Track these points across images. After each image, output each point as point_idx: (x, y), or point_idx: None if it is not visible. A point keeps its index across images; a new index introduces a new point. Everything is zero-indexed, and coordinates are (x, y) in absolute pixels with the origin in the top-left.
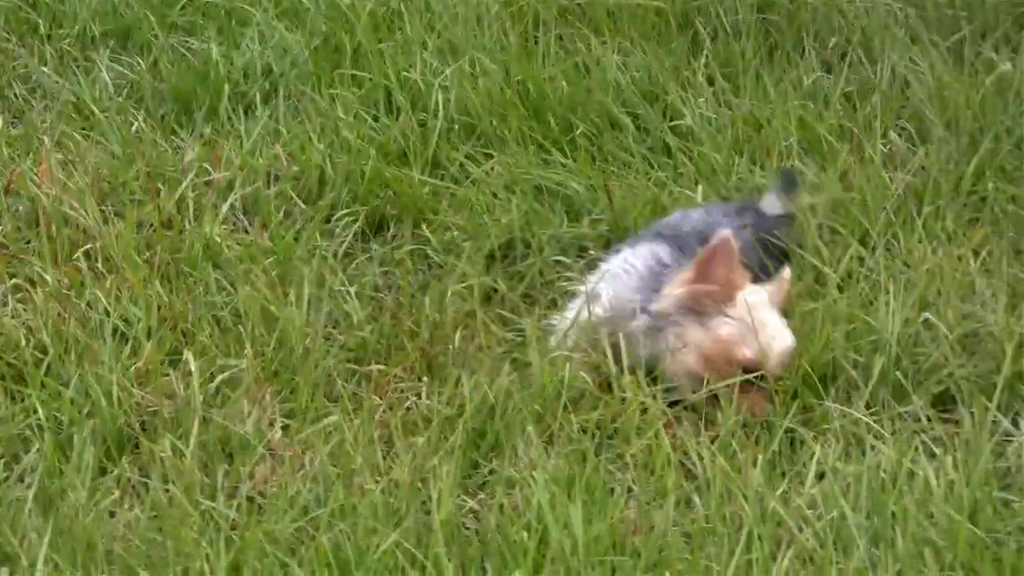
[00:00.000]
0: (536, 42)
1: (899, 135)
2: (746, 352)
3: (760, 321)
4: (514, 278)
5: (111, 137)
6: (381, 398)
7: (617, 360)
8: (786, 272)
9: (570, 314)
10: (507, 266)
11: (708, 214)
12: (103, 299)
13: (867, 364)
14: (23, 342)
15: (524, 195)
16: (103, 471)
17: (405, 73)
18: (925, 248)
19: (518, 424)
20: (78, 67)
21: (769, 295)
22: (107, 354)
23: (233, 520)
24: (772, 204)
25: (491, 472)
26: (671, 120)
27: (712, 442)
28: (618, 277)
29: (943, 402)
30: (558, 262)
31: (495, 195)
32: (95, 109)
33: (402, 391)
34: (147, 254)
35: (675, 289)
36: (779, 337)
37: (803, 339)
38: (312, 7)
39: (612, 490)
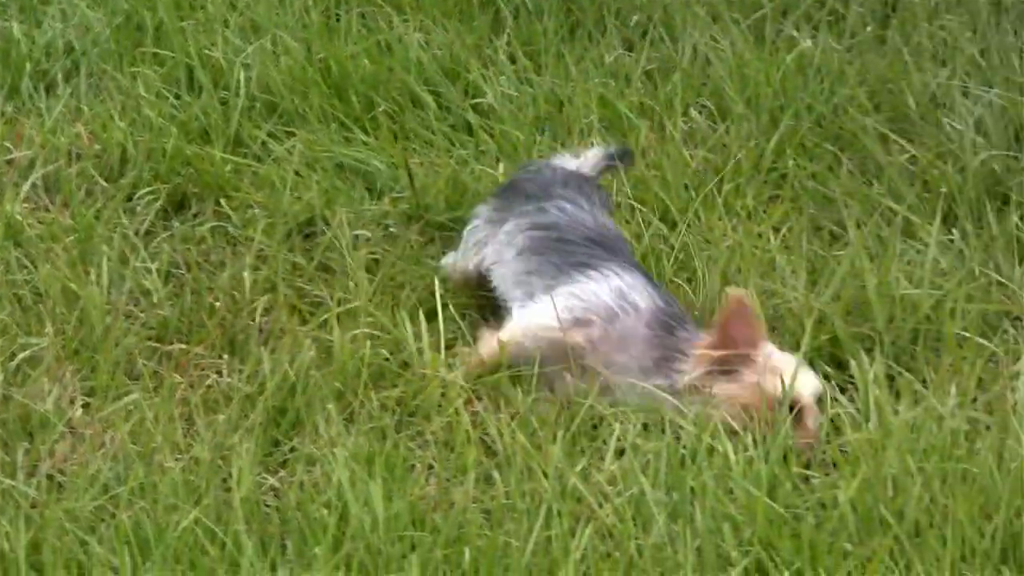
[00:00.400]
0: (338, 20)
1: (700, 113)
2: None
3: (783, 361)
4: (314, 254)
5: None
6: (182, 376)
7: None
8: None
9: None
10: (308, 243)
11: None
12: None
13: None
14: None
15: (325, 172)
16: None
17: (207, 51)
18: (725, 225)
19: (319, 402)
20: None
21: None
22: None
23: (33, 498)
24: (591, 164)
25: (292, 450)
26: (473, 98)
27: (512, 419)
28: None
29: None
30: (358, 237)
31: (297, 173)
32: None
33: (203, 369)
34: None
35: (700, 362)
36: (804, 374)
37: None
38: None
39: (412, 467)
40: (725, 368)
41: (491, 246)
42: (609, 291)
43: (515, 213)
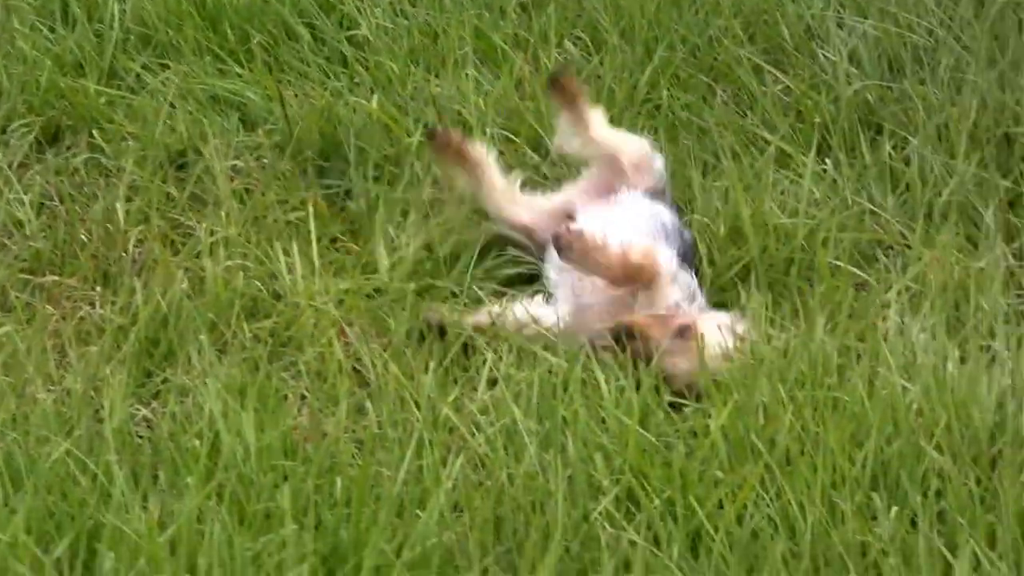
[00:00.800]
0: None
1: (574, 44)
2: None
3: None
4: (187, 185)
5: None
6: (54, 308)
7: None
8: None
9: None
10: (181, 174)
11: None
12: None
13: None
14: None
15: (200, 105)
16: None
17: None
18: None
19: (191, 333)
20: None
21: None
22: None
23: None
24: None
25: (164, 381)
26: (347, 30)
27: (385, 350)
28: None
29: None
30: (234, 167)
31: (171, 105)
32: None
33: (75, 301)
34: None
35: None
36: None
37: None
38: None
39: (285, 398)
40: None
41: None
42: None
43: None
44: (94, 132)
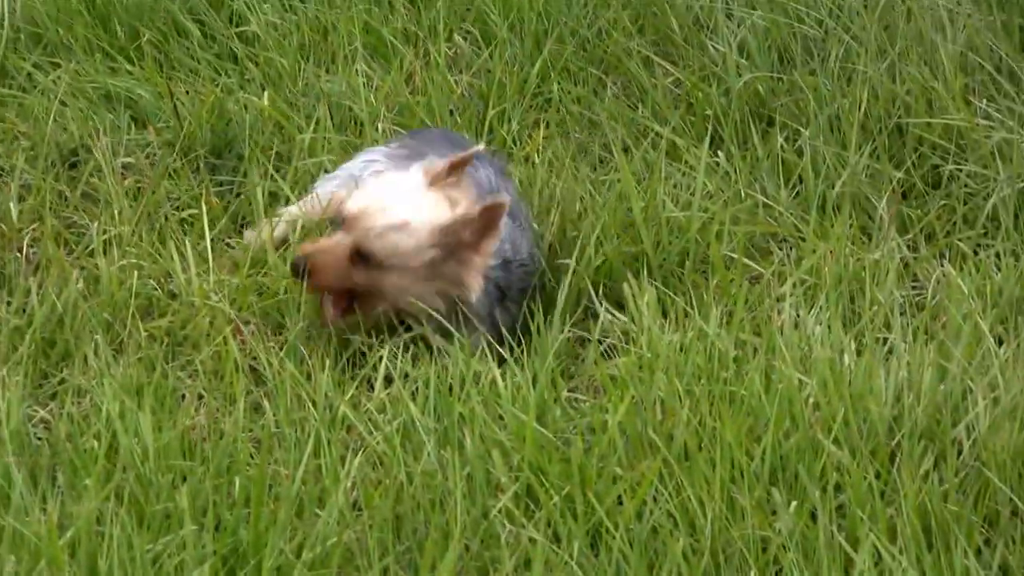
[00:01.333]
0: None
1: (464, 38)
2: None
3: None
4: (79, 184)
5: None
6: None
7: None
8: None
9: None
10: (73, 172)
11: None
12: None
13: None
14: None
15: (91, 103)
16: None
17: None
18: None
19: (87, 333)
20: None
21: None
22: None
23: None
24: None
25: (61, 382)
26: (237, 26)
27: (281, 348)
28: None
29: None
30: (125, 165)
31: (63, 103)
32: None
33: None
34: None
35: None
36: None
37: None
38: None
39: (182, 397)
40: None
41: None
42: None
43: None
44: None
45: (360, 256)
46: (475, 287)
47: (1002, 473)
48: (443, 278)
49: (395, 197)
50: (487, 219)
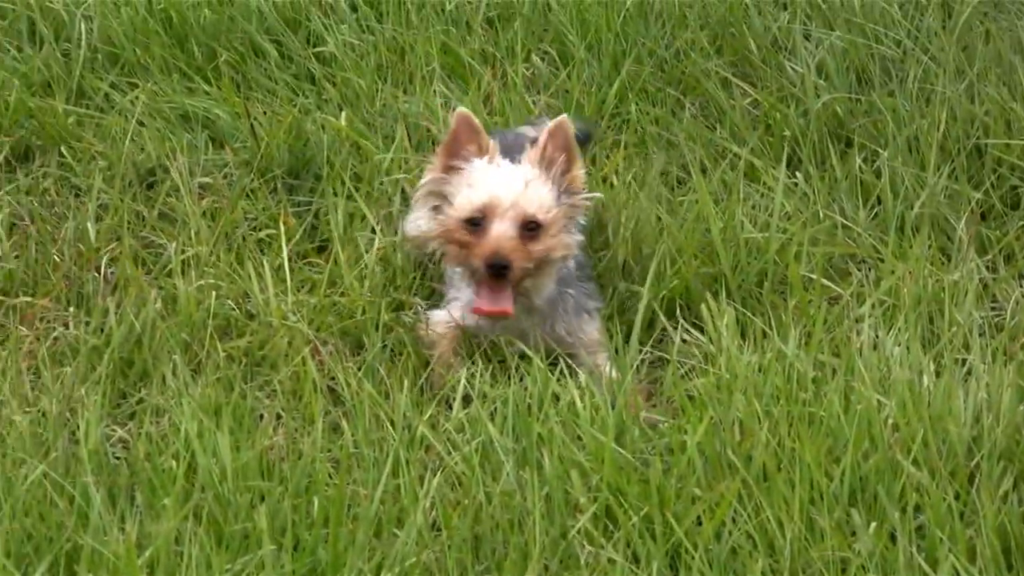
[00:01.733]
0: None
1: (541, 59)
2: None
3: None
4: (156, 203)
5: None
6: (28, 329)
7: None
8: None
9: None
10: (150, 192)
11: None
12: None
13: None
14: None
15: (168, 123)
16: None
17: (48, 3)
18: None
19: (165, 353)
20: None
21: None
22: None
23: None
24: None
25: (139, 401)
26: (314, 47)
27: (359, 368)
28: None
29: None
30: (203, 186)
31: (140, 123)
32: None
33: (49, 321)
34: None
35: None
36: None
37: None
38: None
39: (260, 417)
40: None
41: None
42: None
43: None
44: (63, 151)
45: (527, 229)
46: (585, 207)
47: None
48: (571, 217)
49: (508, 172)
50: (559, 138)
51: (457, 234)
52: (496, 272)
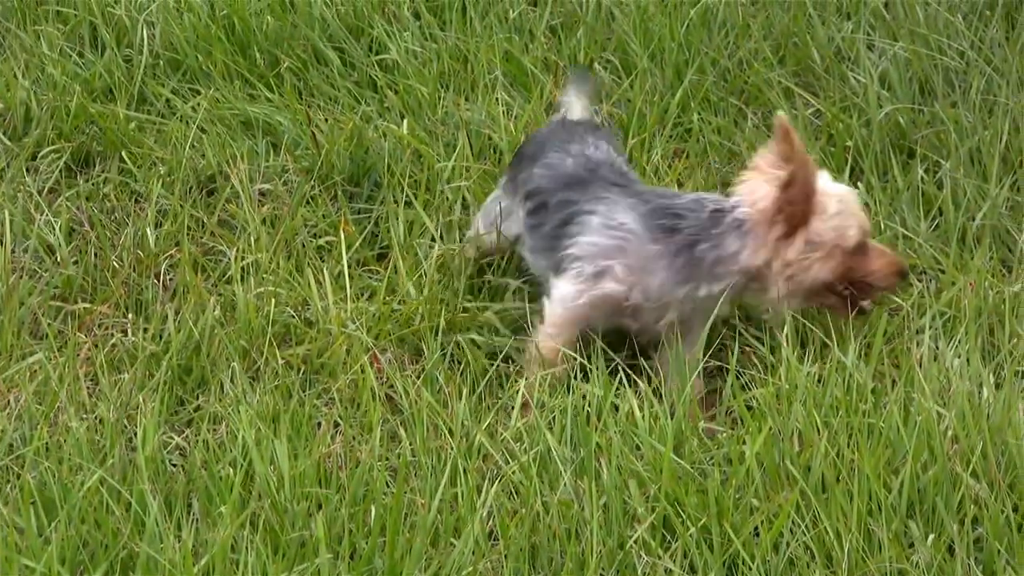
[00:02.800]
0: None
1: (604, 68)
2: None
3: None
4: (215, 210)
5: None
6: (86, 335)
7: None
8: None
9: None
10: (210, 199)
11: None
12: None
13: None
14: None
15: (230, 130)
16: None
17: (110, 9)
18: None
19: (224, 360)
20: None
21: None
22: None
23: None
24: (574, 109)
25: (197, 409)
26: (377, 54)
27: (418, 376)
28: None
29: None
30: (263, 193)
31: (202, 129)
32: None
33: (107, 328)
34: None
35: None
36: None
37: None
38: None
39: (318, 425)
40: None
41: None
42: (599, 230)
43: (517, 182)
44: (124, 157)
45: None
46: None
47: None
48: None
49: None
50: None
51: (840, 260)
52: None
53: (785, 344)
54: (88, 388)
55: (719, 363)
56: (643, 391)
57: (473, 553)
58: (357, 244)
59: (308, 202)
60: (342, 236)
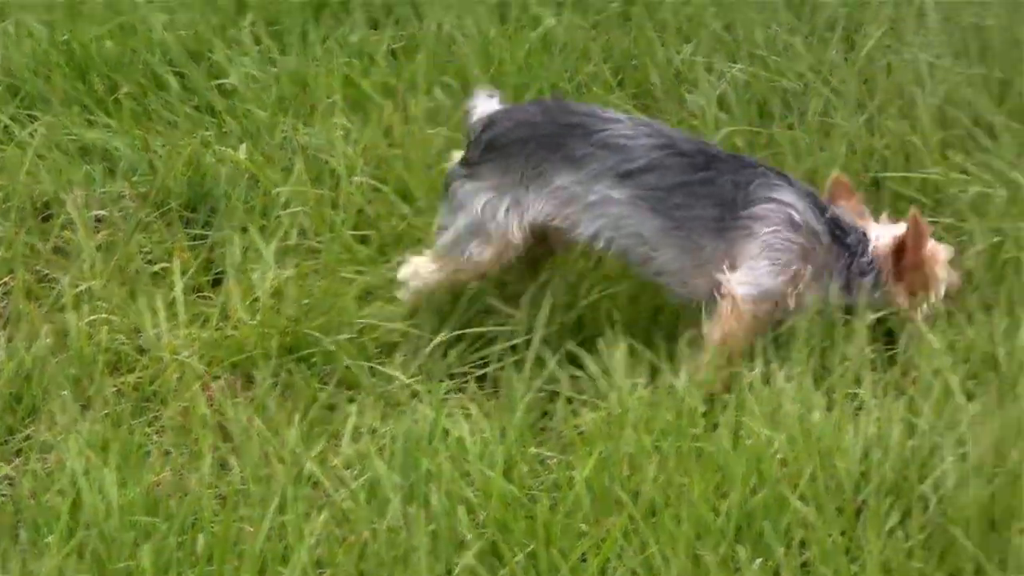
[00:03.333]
0: (83, 2)
1: (443, 91)
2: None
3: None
4: (50, 236)
5: None
6: None
7: None
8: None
9: None
10: (45, 225)
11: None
12: None
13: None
14: None
15: (68, 156)
16: None
17: None
18: None
19: (55, 388)
20: None
21: None
22: None
23: None
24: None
25: (27, 438)
26: (217, 79)
27: (249, 403)
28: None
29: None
30: (98, 219)
31: (39, 156)
32: None
33: None
34: None
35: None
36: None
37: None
38: None
39: (148, 453)
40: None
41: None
42: (793, 223)
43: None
44: None
45: None
46: None
47: (967, 530)
48: None
49: None
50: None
51: None
52: None
53: (616, 369)
54: None
55: (553, 388)
56: (473, 416)
57: None
58: (192, 270)
59: (144, 228)
60: (176, 262)
